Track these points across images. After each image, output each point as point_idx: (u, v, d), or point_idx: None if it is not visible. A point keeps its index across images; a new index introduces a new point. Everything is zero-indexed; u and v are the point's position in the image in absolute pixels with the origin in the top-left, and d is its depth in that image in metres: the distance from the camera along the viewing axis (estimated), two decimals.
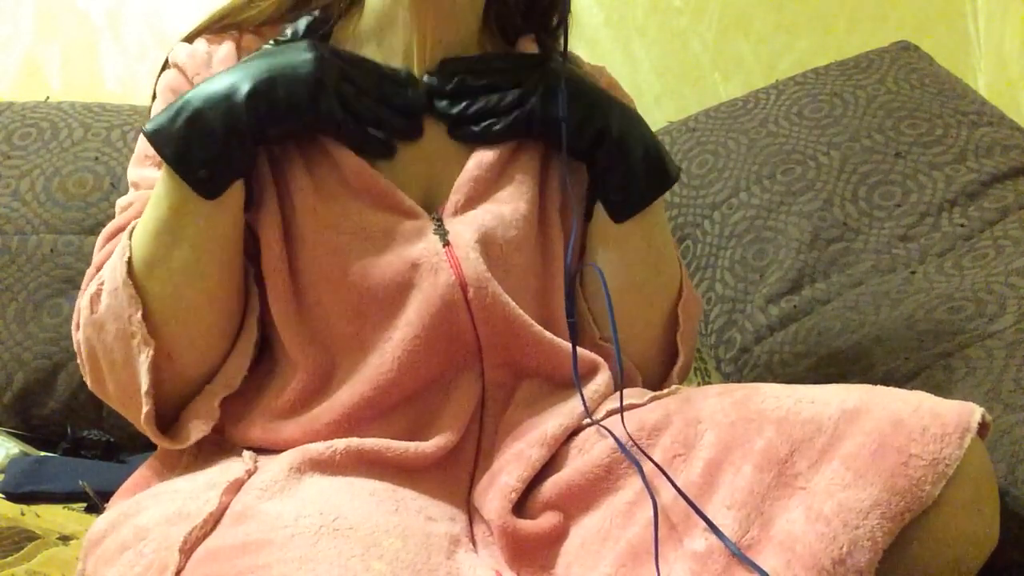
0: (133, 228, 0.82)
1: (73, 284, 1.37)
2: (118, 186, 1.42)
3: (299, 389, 0.84)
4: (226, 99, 0.79)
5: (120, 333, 0.79)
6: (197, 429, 0.82)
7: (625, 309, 0.90)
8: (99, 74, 1.77)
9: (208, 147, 0.78)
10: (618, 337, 0.86)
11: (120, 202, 0.89)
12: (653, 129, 1.03)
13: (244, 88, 0.79)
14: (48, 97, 1.62)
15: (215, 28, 0.93)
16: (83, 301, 0.83)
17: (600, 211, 0.91)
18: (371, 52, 0.90)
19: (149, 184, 0.86)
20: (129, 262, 0.80)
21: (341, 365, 0.84)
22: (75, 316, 0.84)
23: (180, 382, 0.83)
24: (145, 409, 0.80)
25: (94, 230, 1.37)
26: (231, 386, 0.84)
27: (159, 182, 0.81)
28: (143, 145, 0.90)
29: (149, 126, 0.79)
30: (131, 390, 0.81)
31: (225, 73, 0.81)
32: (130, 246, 0.81)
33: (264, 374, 0.87)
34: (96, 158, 1.45)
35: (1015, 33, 1.69)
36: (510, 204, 0.88)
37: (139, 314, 0.78)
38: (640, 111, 1.01)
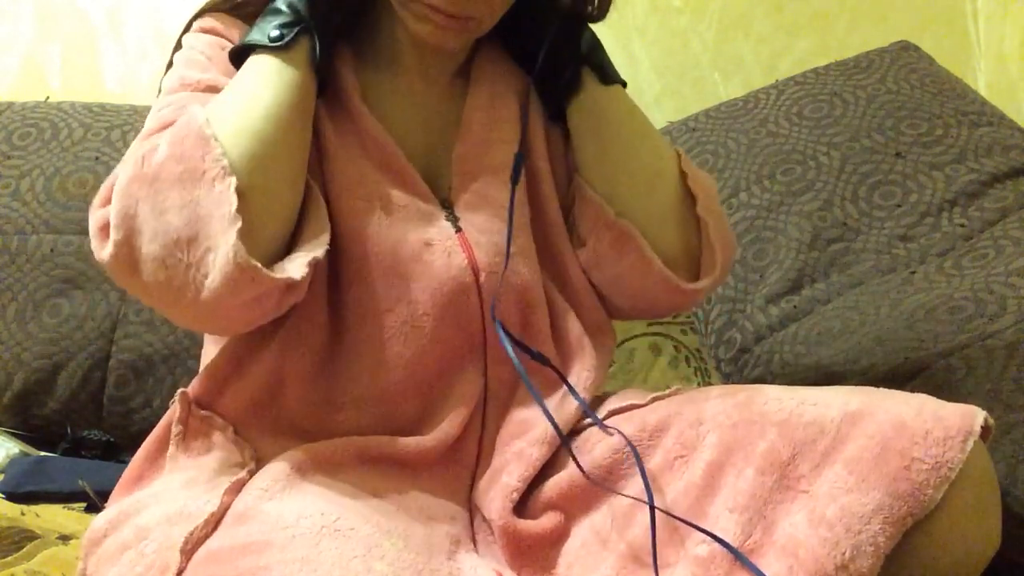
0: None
1: (73, 284, 1.36)
2: None
3: (302, 359, 0.83)
4: None
5: (186, 174, 0.73)
6: (297, 267, 0.75)
7: (631, 183, 0.90)
8: (99, 74, 1.77)
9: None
10: (637, 222, 0.89)
11: (159, 103, 0.83)
12: None
13: None
14: (48, 97, 1.62)
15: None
16: (125, 166, 0.76)
17: (576, 103, 0.92)
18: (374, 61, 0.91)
19: (196, 83, 0.83)
20: (206, 120, 0.75)
21: (345, 337, 0.83)
22: (101, 193, 0.77)
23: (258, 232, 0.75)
24: (238, 226, 0.71)
25: None
26: (321, 241, 0.78)
27: (261, 73, 0.79)
28: (186, 56, 0.87)
29: (275, 32, 0.80)
30: (184, 236, 0.73)
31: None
32: (204, 115, 0.76)
33: (265, 347, 0.84)
34: (96, 158, 1.45)
35: (1015, 33, 1.70)
36: (507, 169, 0.89)
37: (218, 151, 0.73)
38: None
